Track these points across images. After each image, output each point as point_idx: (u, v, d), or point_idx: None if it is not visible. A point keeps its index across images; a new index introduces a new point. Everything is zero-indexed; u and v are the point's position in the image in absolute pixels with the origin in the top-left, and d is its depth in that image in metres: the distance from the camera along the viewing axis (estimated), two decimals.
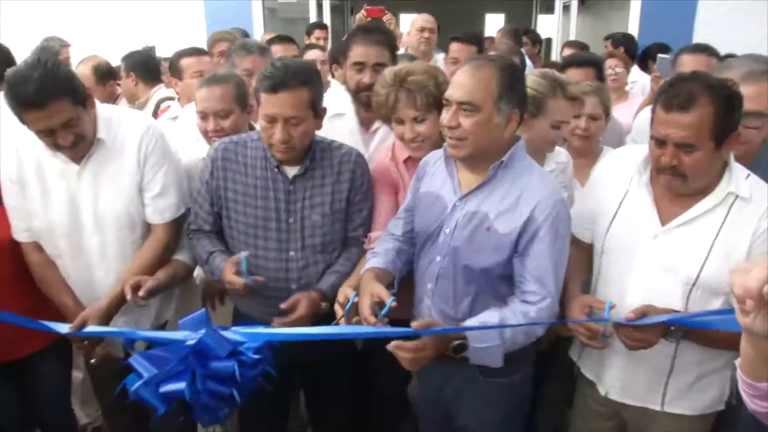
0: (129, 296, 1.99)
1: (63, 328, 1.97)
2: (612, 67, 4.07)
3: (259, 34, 6.25)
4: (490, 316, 1.79)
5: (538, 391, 2.32)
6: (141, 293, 1.99)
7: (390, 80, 2.16)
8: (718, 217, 1.74)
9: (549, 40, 7.28)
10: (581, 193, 2.09)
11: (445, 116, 1.80)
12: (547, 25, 8.16)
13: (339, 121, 2.55)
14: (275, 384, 2.11)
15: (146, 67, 3.84)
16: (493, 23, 11.87)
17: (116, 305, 2.07)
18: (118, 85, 4.21)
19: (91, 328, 1.99)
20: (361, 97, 2.50)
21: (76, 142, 2.00)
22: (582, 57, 3.49)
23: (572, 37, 6.46)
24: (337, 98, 2.57)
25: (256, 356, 1.79)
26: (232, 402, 1.81)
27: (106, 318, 2.03)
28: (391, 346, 1.68)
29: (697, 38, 5.79)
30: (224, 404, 1.83)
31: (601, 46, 5.26)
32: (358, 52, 2.49)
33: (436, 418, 2.17)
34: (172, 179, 2.23)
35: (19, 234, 2.18)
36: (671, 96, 1.66)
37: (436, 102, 2.13)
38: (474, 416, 2.03)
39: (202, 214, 2.21)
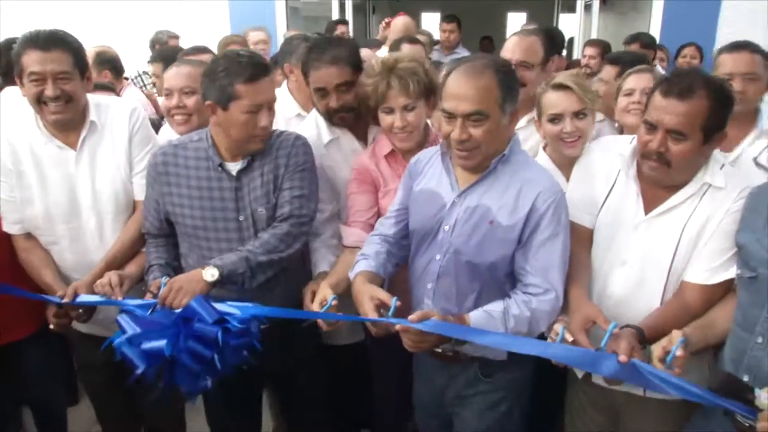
0: (116, 289, 2.02)
1: (57, 300, 2.08)
2: None
3: (281, 32, 6.33)
4: (494, 305, 1.79)
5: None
6: (119, 294, 2.02)
7: (378, 69, 2.13)
8: (690, 206, 1.81)
9: (571, 40, 7.26)
10: (576, 180, 2.08)
11: (449, 129, 1.76)
12: (568, 25, 8.12)
13: (336, 146, 2.41)
14: (245, 388, 2.16)
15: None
16: (515, 22, 11.85)
17: (100, 278, 2.10)
18: (126, 79, 4.40)
19: (83, 298, 2.07)
20: (335, 120, 2.35)
21: (61, 99, 2.07)
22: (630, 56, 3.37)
23: (594, 36, 6.44)
24: (323, 125, 2.42)
25: (241, 326, 1.82)
26: (213, 368, 1.83)
27: (92, 289, 2.08)
28: (398, 327, 1.71)
29: (721, 38, 5.76)
30: (205, 368, 1.85)
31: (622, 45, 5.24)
32: (316, 76, 2.28)
33: (435, 420, 2.16)
34: None
35: (11, 226, 2.24)
36: (671, 84, 1.72)
37: (425, 90, 2.13)
38: (474, 417, 2.03)
39: (149, 218, 2.21)
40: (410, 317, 1.69)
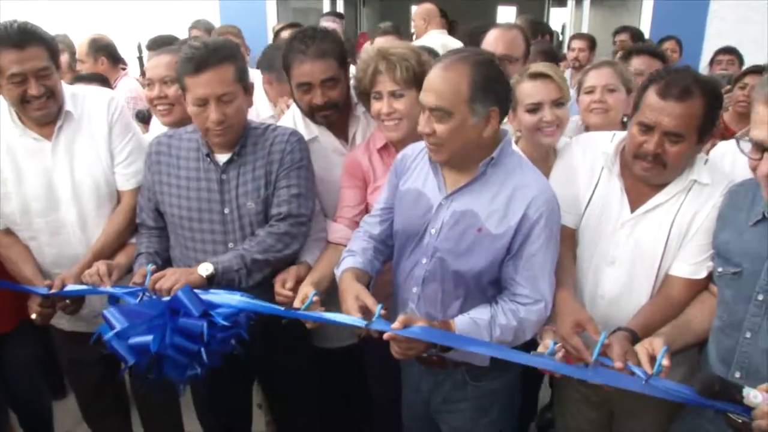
0: (104, 279, 2.00)
1: (44, 291, 2.04)
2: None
3: (272, 24, 6.30)
4: (481, 313, 1.74)
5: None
6: (108, 283, 2.00)
7: (372, 53, 2.07)
8: (676, 203, 1.81)
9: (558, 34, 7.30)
10: (557, 179, 2.00)
11: (421, 120, 1.71)
12: (559, 19, 8.14)
13: (316, 144, 2.29)
14: (233, 385, 2.12)
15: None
16: (505, 15, 11.85)
17: (88, 268, 2.07)
18: (124, 68, 4.30)
19: (70, 287, 2.04)
20: (317, 117, 2.24)
21: (46, 95, 2.02)
22: (648, 47, 3.27)
23: (585, 31, 6.46)
24: (300, 123, 2.32)
25: (225, 323, 1.78)
26: (200, 360, 1.80)
27: (80, 280, 2.05)
28: (386, 336, 1.65)
29: (710, 34, 5.82)
30: (191, 361, 1.82)
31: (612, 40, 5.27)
32: (300, 71, 2.14)
33: (422, 426, 2.11)
34: (136, 146, 2.25)
35: None
36: (668, 85, 1.69)
37: (416, 80, 1.99)
38: (463, 422, 1.98)
39: (145, 208, 2.19)
40: (393, 325, 1.63)
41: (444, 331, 1.69)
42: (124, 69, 4.36)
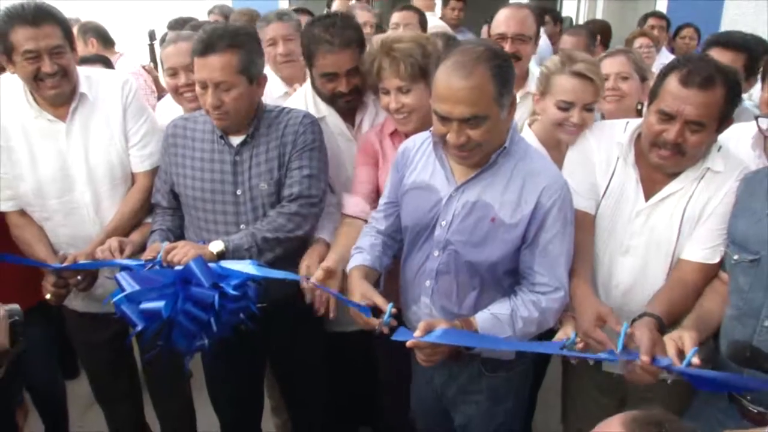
0: (115, 254, 2.03)
1: (56, 265, 2.08)
2: (642, 46, 4.11)
3: (283, 8, 6.28)
4: (501, 307, 1.73)
5: None
6: (122, 257, 2.02)
7: (376, 47, 2.05)
8: (689, 190, 1.80)
9: (571, 21, 7.22)
10: (575, 166, 1.99)
11: (444, 131, 1.64)
12: (573, 6, 8.06)
13: (323, 124, 2.28)
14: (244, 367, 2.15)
15: None
16: (518, 2, 11.71)
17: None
18: (117, 52, 4.29)
19: (82, 262, 2.06)
20: (340, 103, 2.27)
21: (59, 74, 2.04)
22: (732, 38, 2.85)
23: (599, 17, 6.40)
24: (311, 102, 2.34)
25: (235, 292, 1.80)
26: (209, 330, 1.81)
27: (92, 258, 2.08)
28: (409, 344, 1.63)
29: (726, 20, 5.73)
30: (200, 330, 1.83)
31: (628, 27, 5.22)
32: (326, 61, 2.16)
33: (436, 418, 2.10)
34: (150, 129, 2.28)
35: (4, 203, 2.20)
36: (690, 73, 1.67)
37: (422, 72, 1.98)
38: (478, 413, 1.96)
39: (160, 189, 2.22)
40: (415, 333, 1.61)
41: (468, 333, 1.68)
42: (118, 52, 4.35)
